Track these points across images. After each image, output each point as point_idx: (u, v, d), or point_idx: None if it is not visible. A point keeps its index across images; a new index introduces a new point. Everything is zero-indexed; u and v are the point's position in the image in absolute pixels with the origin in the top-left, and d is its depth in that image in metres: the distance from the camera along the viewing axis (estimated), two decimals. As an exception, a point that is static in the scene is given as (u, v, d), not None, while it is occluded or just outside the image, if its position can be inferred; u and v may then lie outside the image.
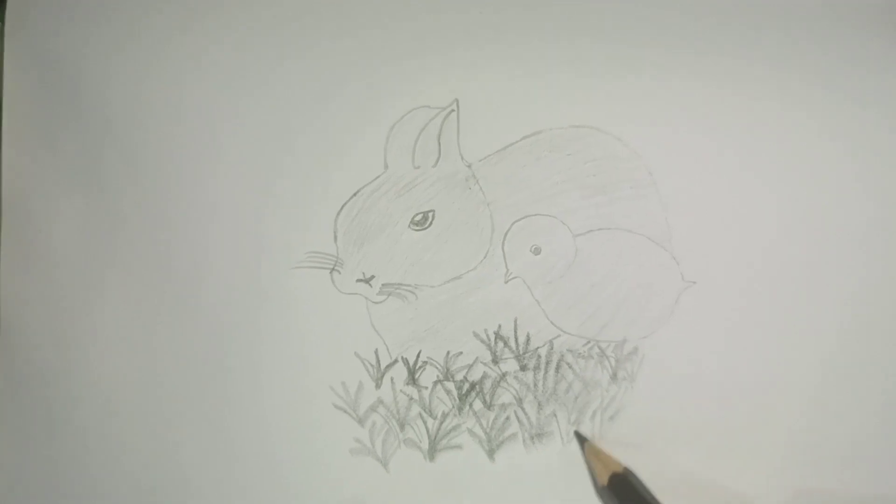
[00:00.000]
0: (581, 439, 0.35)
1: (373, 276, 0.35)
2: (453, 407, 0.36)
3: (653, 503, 0.32)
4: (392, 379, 0.35)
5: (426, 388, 0.36)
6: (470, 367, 0.35)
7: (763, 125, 0.35)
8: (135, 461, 0.35)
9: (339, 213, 0.35)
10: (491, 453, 0.36)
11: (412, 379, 0.35)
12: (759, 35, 0.35)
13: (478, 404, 0.36)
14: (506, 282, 0.35)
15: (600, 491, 0.34)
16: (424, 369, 0.36)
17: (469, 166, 0.35)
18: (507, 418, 0.36)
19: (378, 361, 0.35)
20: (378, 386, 0.35)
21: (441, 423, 0.36)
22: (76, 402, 0.35)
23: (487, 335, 0.35)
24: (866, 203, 0.35)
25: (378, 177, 0.34)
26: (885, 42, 0.35)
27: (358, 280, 0.35)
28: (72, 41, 0.34)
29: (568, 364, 0.36)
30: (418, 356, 0.35)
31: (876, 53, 0.35)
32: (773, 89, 0.35)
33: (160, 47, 0.34)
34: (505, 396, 0.36)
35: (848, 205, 0.35)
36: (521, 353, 0.35)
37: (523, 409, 0.36)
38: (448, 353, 0.35)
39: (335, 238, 0.35)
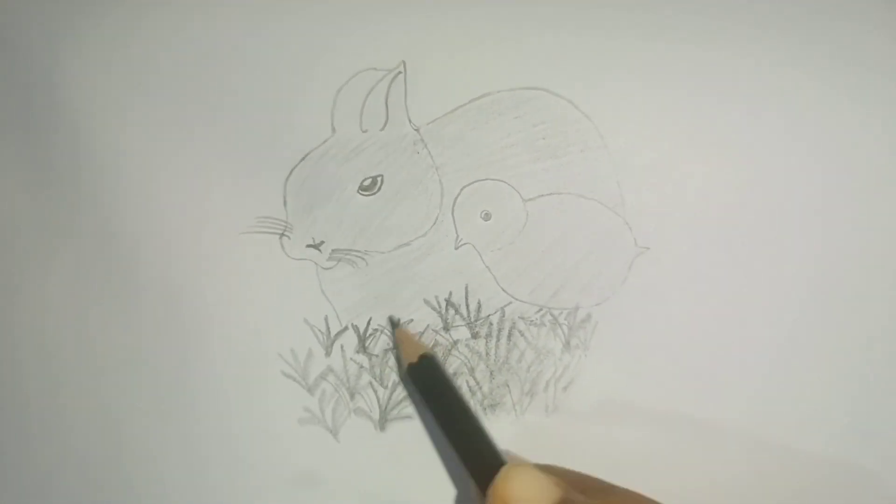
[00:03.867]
0: (393, 325, 0.34)
1: (322, 242, 0.34)
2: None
3: (452, 386, 0.32)
4: (342, 346, 0.35)
5: (377, 356, 0.35)
6: (421, 334, 0.35)
7: (718, 85, 0.34)
8: (79, 433, 0.35)
9: (288, 178, 0.34)
10: (442, 423, 0.35)
11: (363, 347, 0.35)
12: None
13: (429, 373, 0.35)
14: (456, 248, 0.35)
15: (405, 374, 0.34)
16: (375, 337, 0.35)
17: (417, 130, 0.34)
18: (459, 388, 0.35)
19: (328, 328, 0.35)
20: (328, 354, 0.35)
21: (392, 392, 0.35)
22: (20, 377, 0.35)
23: (438, 302, 0.35)
24: (826, 166, 0.34)
25: (326, 140, 0.34)
26: (844, 9, 0.34)
27: (308, 245, 0.34)
28: (14, 18, 0.34)
29: (520, 332, 0.35)
30: (369, 323, 0.35)
31: (834, 19, 0.34)
32: (729, 48, 0.34)
33: (98, 14, 0.34)
34: (456, 365, 0.35)
35: (807, 168, 0.34)
36: (472, 320, 0.35)
37: (475, 378, 0.35)
38: (399, 320, 0.35)
39: (284, 203, 0.34)
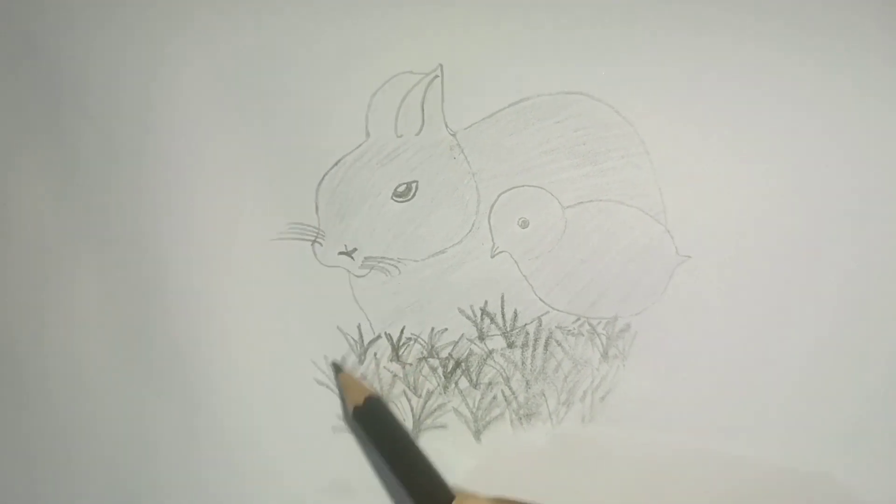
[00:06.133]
0: (337, 369, 0.34)
1: (355, 249, 0.34)
2: (438, 385, 0.35)
3: (399, 426, 0.33)
4: (375, 355, 0.34)
5: (410, 365, 0.34)
6: (455, 343, 0.34)
7: (761, 93, 0.33)
8: (109, 440, 0.35)
9: (320, 183, 0.34)
10: (477, 433, 0.35)
11: (396, 355, 0.34)
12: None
13: (463, 382, 0.35)
14: (492, 256, 0.34)
15: (350, 418, 0.34)
16: (409, 346, 0.34)
17: (454, 135, 0.33)
18: (494, 397, 0.35)
19: (361, 337, 0.34)
20: (361, 362, 0.34)
21: (426, 401, 0.35)
22: (49, 384, 0.35)
23: (473, 311, 0.34)
24: (865, 174, 0.33)
25: (360, 145, 0.33)
26: (878, 16, 0.33)
27: (340, 253, 0.34)
28: (46, 24, 0.33)
29: (557, 341, 0.34)
30: (402, 332, 0.34)
31: (869, 26, 0.33)
32: (770, 56, 0.33)
33: (134, 20, 0.33)
34: (491, 375, 0.35)
35: (847, 176, 0.33)
36: (508, 329, 0.34)
37: (510, 388, 0.35)
38: (433, 329, 0.34)
39: (317, 209, 0.34)
